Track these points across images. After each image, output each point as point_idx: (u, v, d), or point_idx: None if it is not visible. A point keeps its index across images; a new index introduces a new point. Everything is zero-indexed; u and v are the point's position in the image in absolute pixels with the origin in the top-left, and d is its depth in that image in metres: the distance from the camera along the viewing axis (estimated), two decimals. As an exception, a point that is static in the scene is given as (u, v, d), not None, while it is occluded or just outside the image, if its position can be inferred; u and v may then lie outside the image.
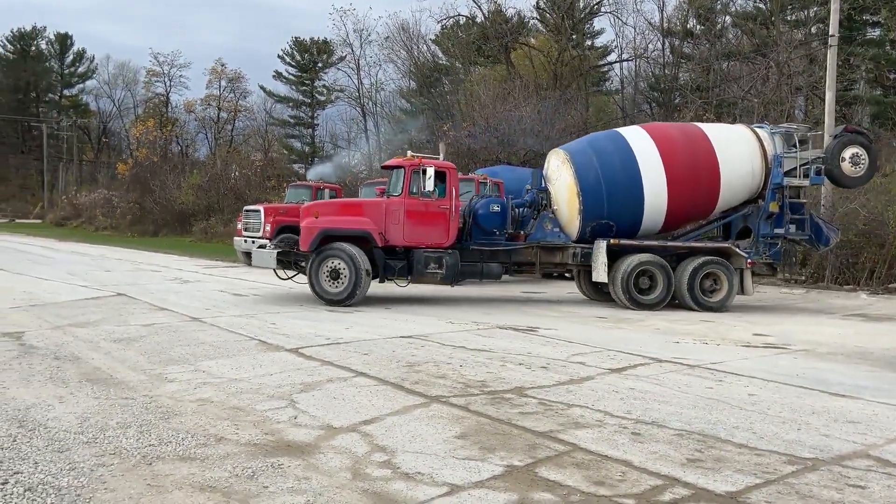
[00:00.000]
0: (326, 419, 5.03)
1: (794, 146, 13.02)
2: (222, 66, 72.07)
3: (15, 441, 4.36)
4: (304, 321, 9.80)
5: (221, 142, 62.13)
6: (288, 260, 12.64)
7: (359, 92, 49.62)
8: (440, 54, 49.22)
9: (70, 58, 79.93)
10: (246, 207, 22.20)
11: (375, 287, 12.95)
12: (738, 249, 12.67)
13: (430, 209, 12.43)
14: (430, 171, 12.20)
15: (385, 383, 6.14)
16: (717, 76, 32.48)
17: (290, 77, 72.56)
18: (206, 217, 36.77)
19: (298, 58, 72.46)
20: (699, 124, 14.22)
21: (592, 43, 47.91)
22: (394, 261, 12.33)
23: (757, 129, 13.36)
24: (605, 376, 6.66)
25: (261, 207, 21.24)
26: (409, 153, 13.30)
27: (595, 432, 4.87)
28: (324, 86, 69.09)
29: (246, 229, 20.97)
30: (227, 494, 3.67)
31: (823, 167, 13.00)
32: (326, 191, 22.76)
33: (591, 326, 10.28)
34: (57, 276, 15.30)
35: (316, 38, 70.18)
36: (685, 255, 12.79)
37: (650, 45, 38.13)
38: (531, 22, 44.19)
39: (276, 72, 71.85)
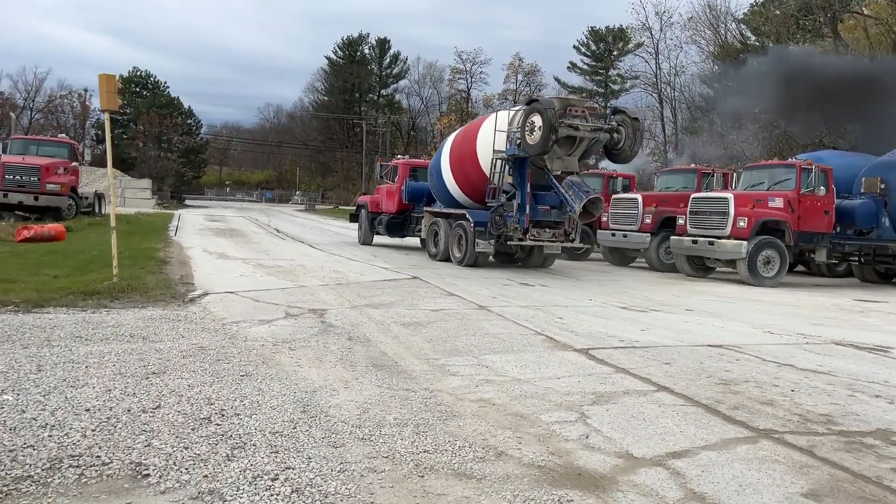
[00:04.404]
0: (625, 444, 4.14)
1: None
2: (520, 60, 73.85)
3: (295, 428, 4.17)
4: (593, 318, 8.97)
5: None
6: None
7: (656, 77, 47.32)
8: (749, 33, 44.91)
9: (387, 60, 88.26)
10: (615, 196, 19.56)
11: (672, 280, 11.60)
12: (467, 214, 15.12)
13: (389, 190, 20.33)
14: (379, 165, 21.91)
15: (695, 404, 5.06)
16: None
17: (585, 67, 72.03)
18: None
19: (594, 47, 71.67)
20: (499, 113, 15.79)
21: (950, 4, 39.96)
22: (375, 220, 20.70)
23: (512, 110, 14.97)
24: None
25: (638, 196, 18.80)
26: (398, 155, 20.59)
27: None
28: (618, 74, 67.50)
29: (614, 220, 18.80)
30: (505, 533, 2.99)
31: (513, 138, 14.24)
32: (619, 179, 21.51)
33: (964, 351, 7.95)
34: (363, 258, 16.35)
35: (612, 27, 68.85)
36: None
37: None
38: (867, -14, 38.05)
39: (571, 62, 71.95)
